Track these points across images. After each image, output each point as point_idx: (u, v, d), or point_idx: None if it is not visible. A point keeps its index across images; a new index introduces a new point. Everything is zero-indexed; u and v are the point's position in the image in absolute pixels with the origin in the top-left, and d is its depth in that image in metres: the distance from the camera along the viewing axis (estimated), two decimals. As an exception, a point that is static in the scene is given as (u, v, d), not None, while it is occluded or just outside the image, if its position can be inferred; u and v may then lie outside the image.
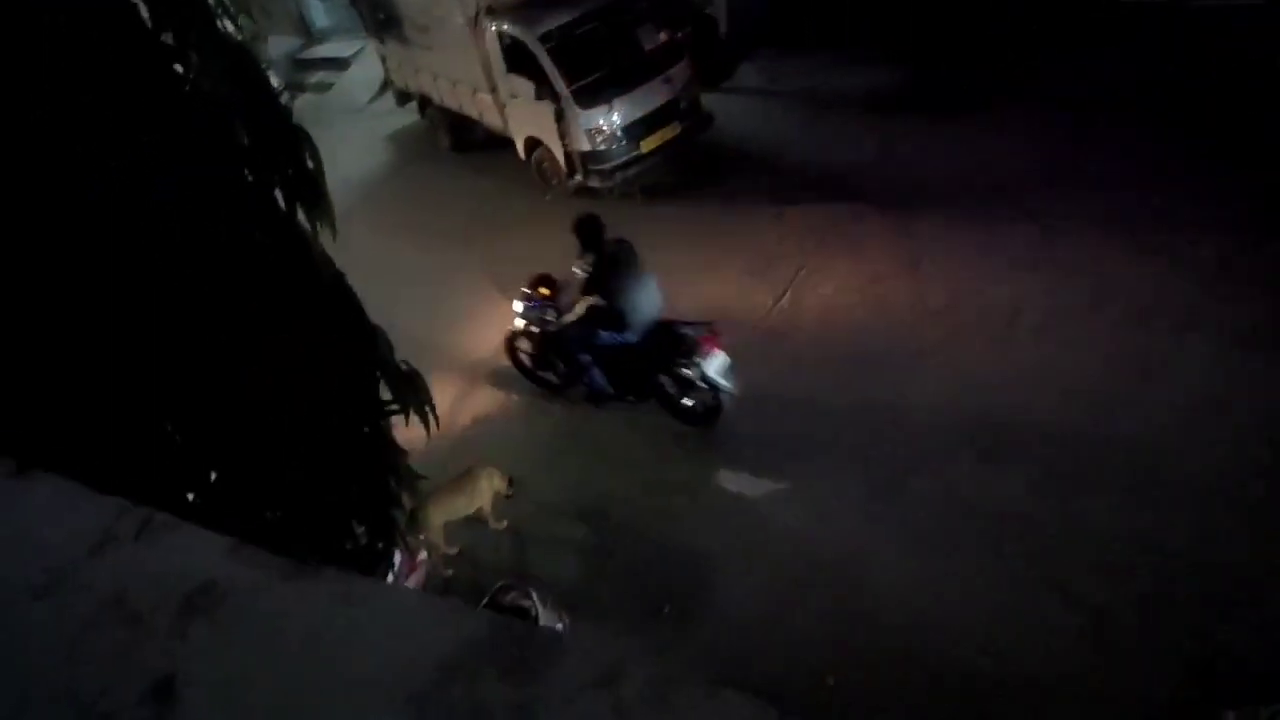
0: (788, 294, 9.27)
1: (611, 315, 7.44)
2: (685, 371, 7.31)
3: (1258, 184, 8.67)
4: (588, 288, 7.48)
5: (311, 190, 4.75)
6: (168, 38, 3.71)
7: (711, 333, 7.34)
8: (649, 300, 7.59)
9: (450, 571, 7.18)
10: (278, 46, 18.02)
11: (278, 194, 4.42)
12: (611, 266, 7.36)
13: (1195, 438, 6.65)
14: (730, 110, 12.56)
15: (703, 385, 7.37)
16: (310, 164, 4.77)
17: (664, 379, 7.62)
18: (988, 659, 5.71)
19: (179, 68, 3.96)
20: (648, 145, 11.41)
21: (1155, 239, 8.48)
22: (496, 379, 9.31)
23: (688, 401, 7.71)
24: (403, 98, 15.42)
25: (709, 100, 12.24)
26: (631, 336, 7.55)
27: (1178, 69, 10.40)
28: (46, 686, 0.95)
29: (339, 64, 18.44)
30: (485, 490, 7.07)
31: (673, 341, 7.39)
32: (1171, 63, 10.49)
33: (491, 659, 0.82)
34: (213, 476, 4.33)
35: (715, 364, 7.30)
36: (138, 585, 1.00)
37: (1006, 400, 7.38)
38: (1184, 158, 9.36)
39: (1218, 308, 7.60)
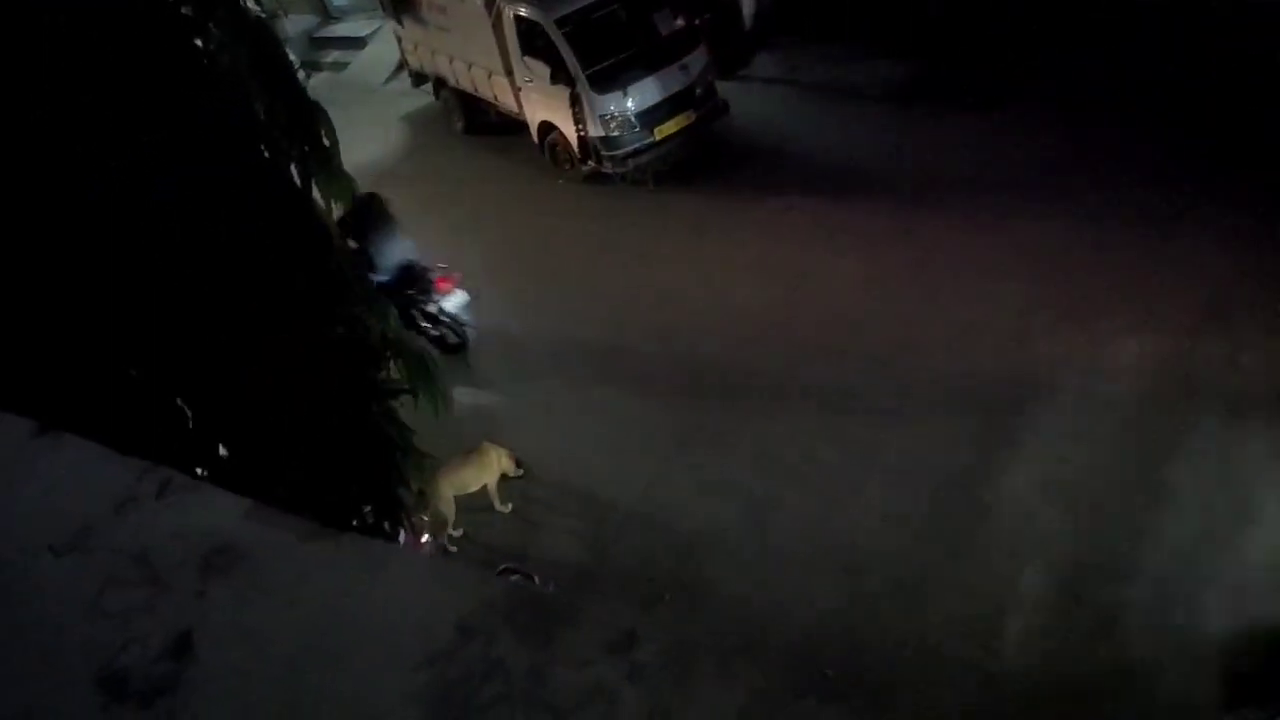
0: (796, 288, 9.24)
1: (361, 257, 8.35)
2: (426, 307, 8.95)
3: (1258, 182, 8.60)
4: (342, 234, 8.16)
5: (327, 166, 4.76)
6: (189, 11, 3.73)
7: (448, 275, 9.06)
8: (395, 246, 8.96)
9: (455, 550, 7.23)
10: (295, 24, 17.97)
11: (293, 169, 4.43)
12: (357, 217, 8.09)
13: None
14: (746, 99, 12.50)
15: (445, 319, 9.06)
16: (326, 140, 4.79)
17: (415, 313, 8.95)
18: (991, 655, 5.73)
19: (199, 42, 3.97)
20: (661, 132, 11.37)
21: (1164, 241, 8.44)
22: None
23: (435, 332, 9.15)
24: (418, 79, 15.35)
25: (724, 89, 12.18)
26: (383, 276, 8.68)
27: (1178, 68, 10.30)
28: (68, 641, 0.96)
29: (355, 43, 18.37)
30: (494, 468, 7.13)
31: (415, 280, 8.94)
32: (1172, 62, 10.38)
33: (508, 621, 0.83)
34: (221, 452, 4.37)
35: (453, 301, 8.94)
36: (159, 544, 1.02)
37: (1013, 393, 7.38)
38: (1184, 156, 9.28)
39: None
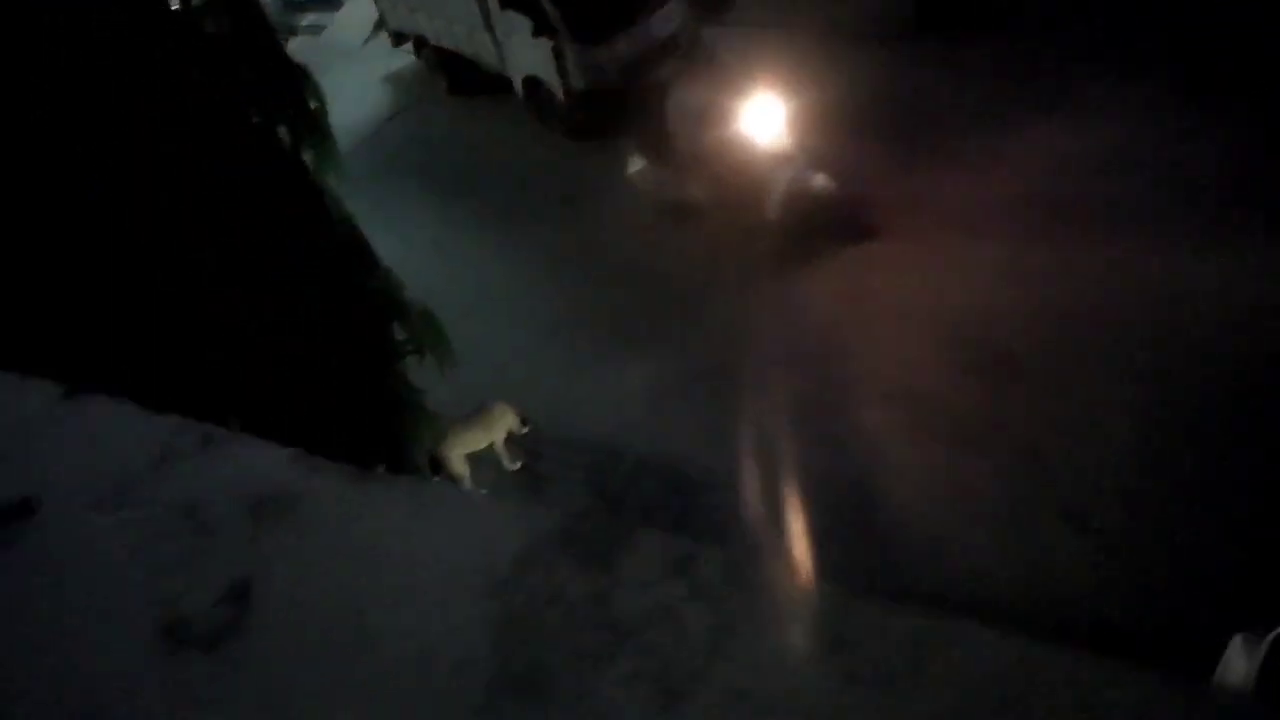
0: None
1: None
2: None
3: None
4: None
5: (316, 130, 4.71)
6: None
7: None
8: None
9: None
10: (268, -12, 17.61)
11: (283, 133, 4.38)
12: None
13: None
14: (731, 44, 12.31)
15: None
16: (313, 104, 4.73)
17: None
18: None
19: (176, 4, 3.90)
20: (648, 82, 11.20)
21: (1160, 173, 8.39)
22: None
23: None
24: (398, 39, 15.13)
25: (711, 34, 11.99)
26: None
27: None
28: (124, 595, 0.97)
29: (331, 4, 18.07)
30: (500, 425, 7.16)
31: None
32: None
33: (566, 551, 0.84)
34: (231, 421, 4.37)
35: None
36: (206, 495, 1.02)
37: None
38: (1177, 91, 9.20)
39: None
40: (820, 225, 8.62)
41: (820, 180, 8.68)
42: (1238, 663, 4.73)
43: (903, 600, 0.71)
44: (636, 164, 9.80)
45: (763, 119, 8.56)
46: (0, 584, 1.03)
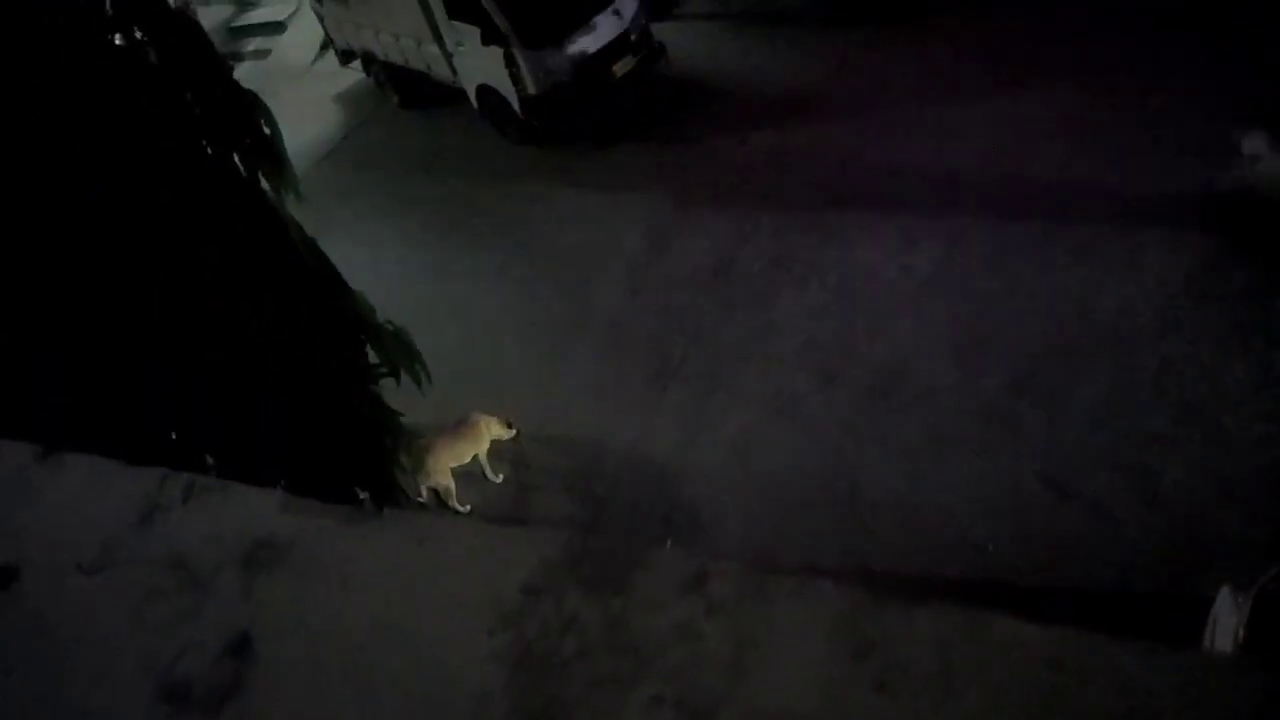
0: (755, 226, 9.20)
1: None
2: None
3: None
4: None
5: (271, 156, 4.64)
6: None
7: None
8: None
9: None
10: (210, 15, 17.38)
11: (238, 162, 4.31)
12: None
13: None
14: (681, 39, 12.32)
15: None
16: (267, 130, 4.65)
17: None
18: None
19: (120, 39, 3.82)
20: (602, 82, 11.19)
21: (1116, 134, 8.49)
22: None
23: None
24: (345, 57, 14.94)
25: (659, 30, 11.98)
26: None
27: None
28: (118, 657, 0.94)
29: (275, 28, 17.83)
30: (484, 436, 7.12)
31: None
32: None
33: (574, 577, 0.82)
34: (209, 462, 4.30)
35: None
36: (195, 548, 0.99)
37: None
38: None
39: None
40: None
41: None
42: (1226, 615, 4.79)
43: (895, 582, 0.70)
44: (1256, 144, 7.30)
45: None
46: (-13, 658, 0.99)
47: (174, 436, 3.89)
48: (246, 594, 0.94)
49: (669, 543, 6.61)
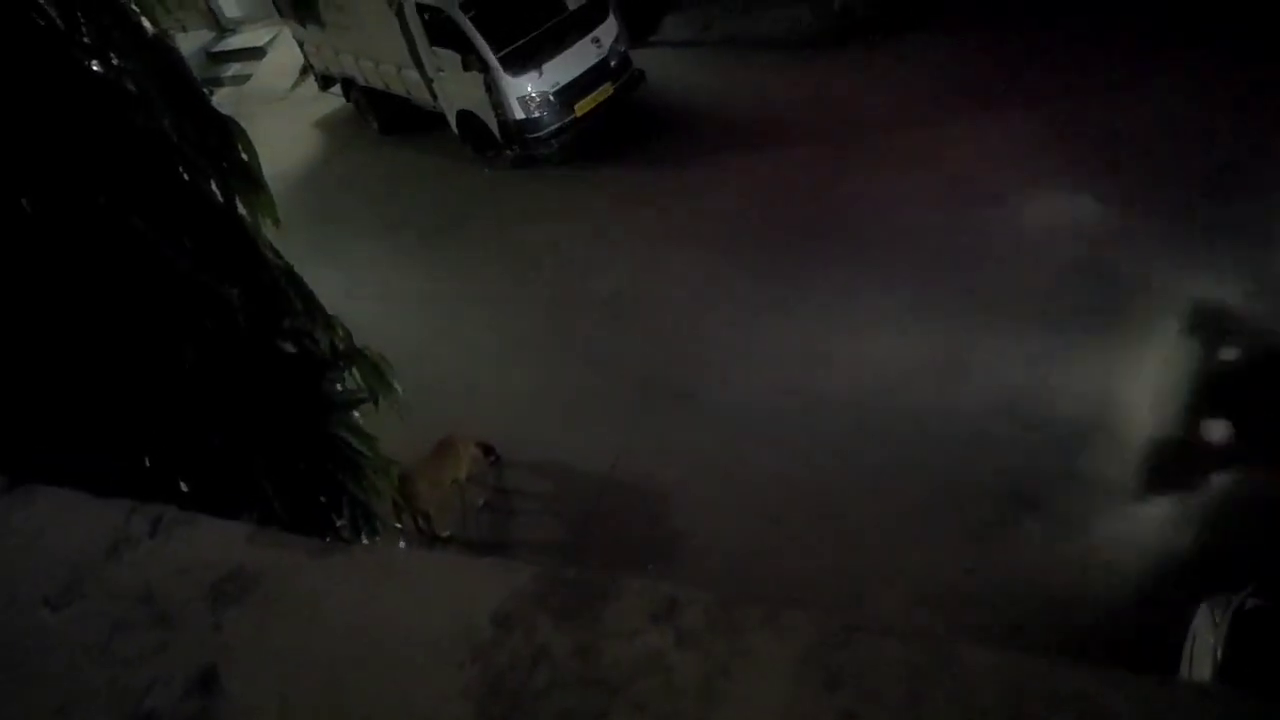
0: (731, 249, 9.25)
1: None
2: None
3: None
4: None
5: (249, 183, 4.62)
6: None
7: None
8: None
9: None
10: (189, 41, 17.39)
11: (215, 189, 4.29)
12: None
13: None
14: (660, 65, 12.45)
15: None
16: (245, 156, 4.64)
17: None
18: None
19: (97, 66, 3.81)
20: (582, 108, 11.29)
21: (1093, 154, 8.64)
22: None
23: None
24: (325, 82, 15.00)
25: (638, 56, 12.10)
26: None
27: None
28: (85, 693, 0.92)
29: (255, 54, 17.87)
30: (463, 460, 7.10)
31: None
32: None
33: (545, 607, 0.81)
34: (184, 488, 4.24)
35: None
36: (162, 581, 0.98)
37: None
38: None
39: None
40: None
41: None
42: (1205, 632, 4.82)
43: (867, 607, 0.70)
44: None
45: None
46: (-53, 696, 0.97)
47: (146, 464, 3.84)
48: (216, 627, 0.93)
49: (650, 568, 6.58)
